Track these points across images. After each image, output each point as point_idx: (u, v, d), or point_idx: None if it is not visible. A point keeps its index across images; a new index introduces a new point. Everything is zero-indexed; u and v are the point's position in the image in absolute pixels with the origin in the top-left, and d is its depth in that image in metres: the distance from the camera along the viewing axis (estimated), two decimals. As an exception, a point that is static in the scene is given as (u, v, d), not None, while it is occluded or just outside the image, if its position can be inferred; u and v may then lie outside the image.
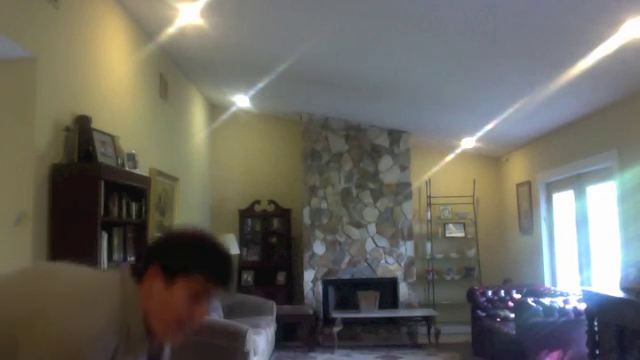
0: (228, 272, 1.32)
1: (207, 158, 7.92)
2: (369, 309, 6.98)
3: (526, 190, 7.22)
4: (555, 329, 4.92)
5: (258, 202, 7.86)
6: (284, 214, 7.80)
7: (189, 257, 1.29)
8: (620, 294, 3.98)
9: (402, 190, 7.51)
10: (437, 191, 8.06)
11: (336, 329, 6.75)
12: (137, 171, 3.95)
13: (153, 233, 5.11)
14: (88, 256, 3.22)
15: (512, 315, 5.59)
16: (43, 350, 1.13)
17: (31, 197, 3.12)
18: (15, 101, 3.17)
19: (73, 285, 1.26)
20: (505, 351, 5.41)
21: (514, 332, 5.22)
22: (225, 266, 1.32)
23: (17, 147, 3.15)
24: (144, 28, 4.96)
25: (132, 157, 3.96)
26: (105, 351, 1.17)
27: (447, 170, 8.13)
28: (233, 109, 7.90)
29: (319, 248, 7.40)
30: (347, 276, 7.38)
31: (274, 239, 7.86)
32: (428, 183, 8.06)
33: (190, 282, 1.26)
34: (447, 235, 8.02)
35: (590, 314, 4.38)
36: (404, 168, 7.55)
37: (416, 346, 6.93)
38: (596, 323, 4.32)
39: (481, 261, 7.94)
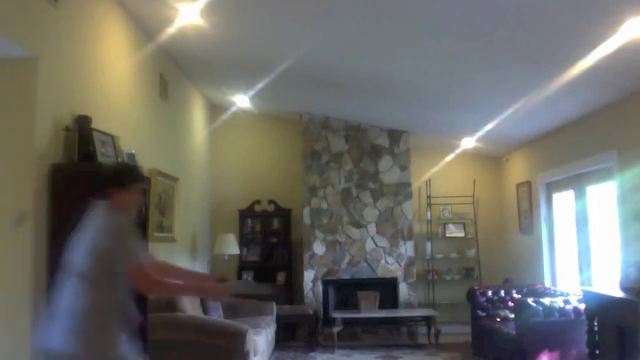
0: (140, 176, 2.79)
1: (207, 158, 7.92)
2: (369, 309, 6.98)
3: (526, 190, 7.22)
4: (555, 329, 4.93)
5: (258, 202, 7.87)
6: (284, 214, 7.80)
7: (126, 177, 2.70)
8: (620, 294, 3.98)
9: (402, 190, 7.51)
10: (437, 191, 8.06)
11: (336, 329, 6.75)
12: (137, 171, 3.94)
13: (153, 233, 5.12)
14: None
15: (512, 315, 5.59)
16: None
17: (31, 197, 3.12)
18: (15, 101, 3.17)
19: None
20: (505, 351, 5.41)
21: (514, 332, 5.22)
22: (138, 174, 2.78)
23: (17, 147, 3.15)
24: (144, 28, 4.96)
25: (132, 157, 3.96)
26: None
27: (447, 170, 8.13)
28: (233, 109, 7.90)
29: (319, 248, 7.40)
30: (347, 276, 7.38)
31: (274, 239, 7.86)
32: (428, 183, 8.07)
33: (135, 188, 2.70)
34: (447, 235, 8.03)
35: (590, 314, 4.39)
36: (404, 168, 7.55)
37: (416, 346, 6.93)
38: (596, 323, 4.32)
39: (481, 261, 7.94)
